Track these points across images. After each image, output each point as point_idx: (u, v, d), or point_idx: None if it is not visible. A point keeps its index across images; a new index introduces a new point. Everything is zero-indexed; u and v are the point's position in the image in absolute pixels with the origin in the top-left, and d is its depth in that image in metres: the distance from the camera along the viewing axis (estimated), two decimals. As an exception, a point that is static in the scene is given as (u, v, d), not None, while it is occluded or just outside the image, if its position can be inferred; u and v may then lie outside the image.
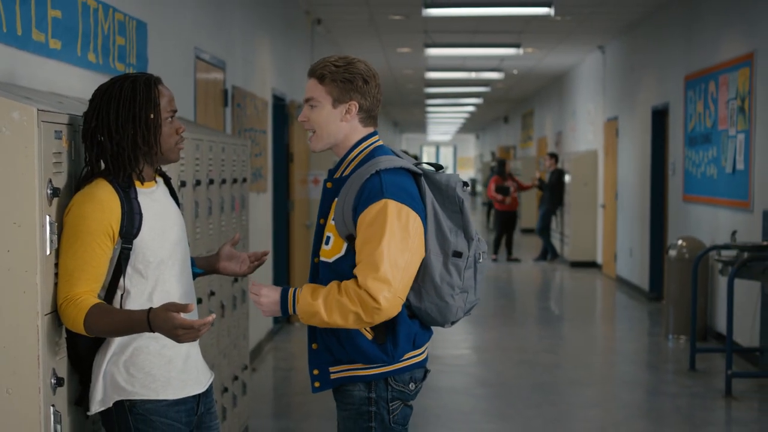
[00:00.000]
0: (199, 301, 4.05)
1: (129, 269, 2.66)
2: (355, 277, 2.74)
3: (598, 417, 6.28)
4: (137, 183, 2.71)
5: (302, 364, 7.56)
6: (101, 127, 2.66)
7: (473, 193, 41.20)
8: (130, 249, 2.64)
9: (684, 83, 9.74)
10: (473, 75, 17.26)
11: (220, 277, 4.62)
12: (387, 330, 2.80)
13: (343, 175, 2.88)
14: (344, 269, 2.79)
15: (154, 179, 2.79)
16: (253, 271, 3.09)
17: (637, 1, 10.54)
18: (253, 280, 2.96)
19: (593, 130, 14.99)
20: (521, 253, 16.82)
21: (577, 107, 16.45)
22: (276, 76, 8.92)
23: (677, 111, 10.06)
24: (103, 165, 2.68)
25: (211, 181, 4.49)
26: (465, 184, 2.92)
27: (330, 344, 2.84)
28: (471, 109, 27.99)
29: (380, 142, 2.94)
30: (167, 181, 2.90)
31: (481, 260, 2.92)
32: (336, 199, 2.84)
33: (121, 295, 2.67)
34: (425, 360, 2.95)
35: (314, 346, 2.89)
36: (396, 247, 2.69)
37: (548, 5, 9.69)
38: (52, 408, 2.55)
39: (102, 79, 3.92)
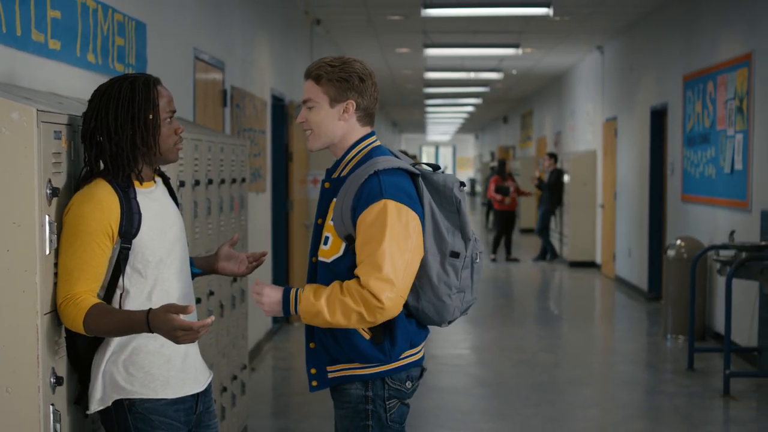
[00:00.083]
0: (198, 300, 4.06)
1: (128, 269, 2.67)
2: (355, 277, 2.75)
3: (596, 416, 6.29)
4: (136, 183, 2.72)
5: (301, 364, 7.57)
6: (100, 127, 2.67)
7: (472, 193, 41.24)
8: (129, 249, 2.66)
9: (682, 83, 9.75)
10: (472, 75, 17.27)
11: (219, 277, 4.63)
12: (385, 330, 2.82)
13: (341, 175, 2.89)
14: (342, 269, 2.80)
15: (153, 179, 2.80)
16: (252, 272, 3.10)
17: (636, 2, 10.55)
18: (257, 278, 2.97)
19: (592, 130, 15.00)
20: (520, 253, 16.83)
21: (576, 107, 16.47)
22: (275, 76, 8.93)
23: (676, 111, 10.07)
24: (102, 165, 2.70)
25: (210, 181, 4.50)
26: (462, 184, 2.93)
27: (327, 343, 2.85)
28: (470, 109, 28.01)
29: (378, 143, 2.95)
30: (166, 181, 2.91)
31: (477, 260, 2.93)
32: (334, 199, 2.85)
33: (121, 294, 2.68)
34: (422, 359, 2.96)
35: (312, 345, 2.90)
36: (397, 248, 2.71)
37: (547, 5, 9.70)
38: (51, 407, 2.56)
39: (101, 79, 3.93)
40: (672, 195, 10.29)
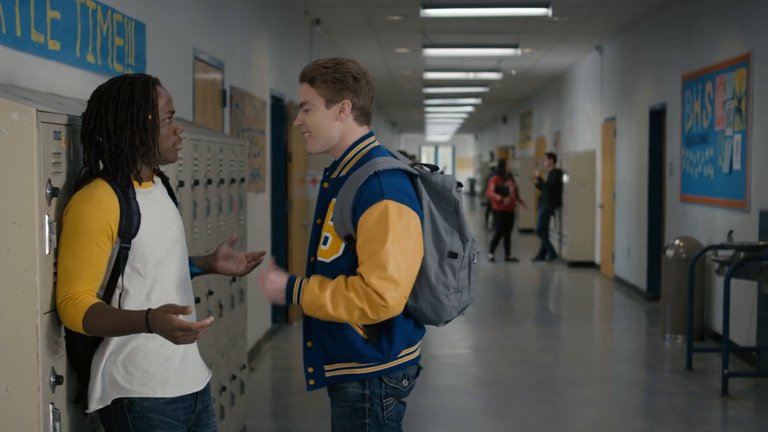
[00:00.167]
0: (198, 300, 4.07)
1: (127, 268, 2.68)
2: (356, 275, 2.76)
3: (595, 416, 6.30)
4: (135, 183, 2.73)
5: (300, 364, 7.54)
6: (100, 127, 2.68)
7: (472, 193, 41.26)
8: (129, 248, 2.67)
9: (681, 83, 9.77)
10: (471, 75, 17.28)
11: (218, 277, 4.64)
12: (382, 330, 2.83)
13: (340, 175, 2.90)
14: (342, 269, 2.82)
15: (152, 179, 2.82)
16: (251, 271, 3.12)
17: (635, 2, 10.57)
18: (272, 258, 2.98)
19: (591, 131, 15.01)
20: (519, 253, 16.85)
21: (575, 107, 16.48)
22: (274, 76, 8.94)
23: (674, 111, 10.08)
24: (101, 165, 2.71)
25: (209, 181, 4.51)
26: (459, 185, 2.95)
27: (325, 342, 2.86)
28: (469, 109, 28.02)
29: (377, 143, 2.96)
30: (165, 181, 2.92)
31: (475, 261, 2.95)
32: (334, 199, 2.87)
33: (120, 294, 2.69)
34: (418, 357, 2.98)
35: (309, 344, 2.91)
36: (399, 248, 2.73)
37: (546, 6, 9.71)
38: (51, 406, 2.57)
39: (101, 79, 3.94)
40: (671, 195, 10.31)
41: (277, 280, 2.82)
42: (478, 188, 37.67)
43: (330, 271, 2.83)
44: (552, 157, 15.98)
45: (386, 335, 2.83)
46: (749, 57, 7.78)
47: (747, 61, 7.83)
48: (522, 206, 17.43)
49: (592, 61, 14.82)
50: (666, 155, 10.63)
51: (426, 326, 3.02)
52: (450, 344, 8.64)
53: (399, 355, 2.88)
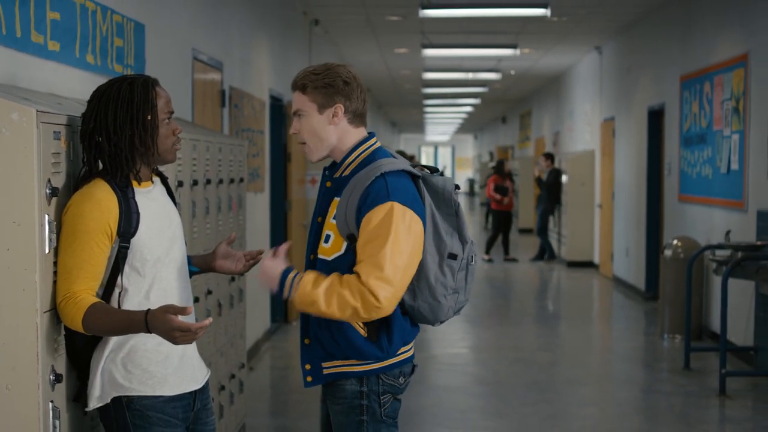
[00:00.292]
0: (197, 299, 4.09)
1: (126, 267, 2.70)
2: (353, 273, 2.79)
3: (593, 415, 6.32)
4: (134, 183, 2.75)
5: (299, 363, 7.57)
6: (99, 128, 2.70)
7: (471, 193, 41.29)
8: (128, 248, 2.69)
9: (679, 84, 9.79)
10: (471, 75, 17.29)
11: (217, 276, 4.66)
12: (381, 327, 2.86)
13: (343, 175, 2.93)
14: (343, 268, 2.84)
15: (151, 179, 2.84)
16: (249, 270, 3.14)
17: (633, 2, 10.58)
18: (289, 242, 2.99)
19: (590, 131, 15.03)
20: (518, 253, 16.86)
21: (575, 107, 16.50)
22: (273, 76, 8.96)
23: (673, 111, 10.10)
24: (101, 165, 2.73)
25: (208, 181, 4.53)
26: (456, 187, 3.00)
27: (323, 339, 2.89)
28: (469, 109, 28.03)
29: (379, 144, 3.00)
30: (164, 181, 2.94)
31: (473, 263, 3.00)
32: (336, 198, 2.90)
33: (119, 293, 2.71)
34: (413, 356, 3.02)
35: (306, 341, 2.94)
36: (398, 249, 2.76)
37: (544, 6, 9.73)
38: (51, 404, 2.59)
39: (100, 80, 3.96)
40: (669, 195, 10.33)
41: (274, 267, 2.84)
42: (477, 188, 37.68)
43: (331, 269, 2.86)
44: (550, 157, 15.99)
45: (386, 333, 2.87)
46: (747, 57, 7.80)
47: (745, 62, 7.85)
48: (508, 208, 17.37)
49: (591, 61, 14.84)
50: (664, 155, 10.65)
51: (424, 326, 3.05)
52: (449, 344, 8.66)
53: (397, 353, 2.92)
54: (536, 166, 19.09)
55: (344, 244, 2.85)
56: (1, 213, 2.52)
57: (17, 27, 3.36)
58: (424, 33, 12.54)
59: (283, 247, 2.90)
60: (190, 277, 2.98)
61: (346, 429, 2.92)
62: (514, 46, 13.00)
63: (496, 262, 15.55)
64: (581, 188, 14.76)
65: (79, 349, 2.74)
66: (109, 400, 2.70)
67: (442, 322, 2.99)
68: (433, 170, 3.03)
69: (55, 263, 2.63)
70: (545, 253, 15.75)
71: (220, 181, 4.78)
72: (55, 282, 2.63)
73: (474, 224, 24.69)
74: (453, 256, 2.92)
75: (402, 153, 10.49)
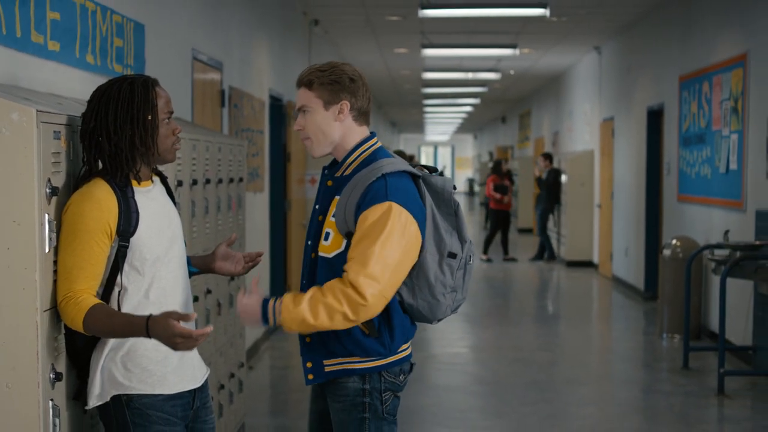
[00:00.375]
0: (196, 299, 4.10)
1: (126, 266, 2.72)
2: (344, 271, 2.81)
3: (592, 415, 6.33)
4: (134, 182, 2.76)
5: (298, 362, 7.55)
6: (100, 127, 2.71)
7: (471, 193, 41.31)
8: (127, 247, 2.70)
9: (678, 84, 9.80)
10: (470, 75, 17.30)
11: (217, 276, 4.64)
12: (382, 324, 2.88)
13: (344, 174, 2.95)
14: (343, 264, 2.86)
15: (151, 178, 2.85)
16: (248, 272, 3.15)
17: (633, 2, 10.59)
18: (255, 276, 3.00)
19: (590, 131, 15.04)
20: (517, 253, 16.87)
21: (574, 107, 16.51)
22: (273, 76, 8.97)
23: (672, 111, 10.11)
24: (100, 165, 2.74)
25: (208, 181, 4.54)
26: (453, 187, 3.03)
27: (325, 337, 2.90)
28: (468, 109, 28.04)
29: (379, 144, 3.02)
30: (164, 180, 2.95)
31: (471, 262, 3.04)
32: (337, 197, 2.92)
33: (119, 291, 2.72)
34: (411, 354, 3.05)
35: (308, 339, 2.95)
36: (390, 248, 2.77)
37: (543, 6, 9.74)
38: (51, 402, 2.60)
39: (100, 80, 3.97)
40: (668, 195, 10.34)
41: (252, 302, 2.83)
42: (477, 188, 37.69)
43: (331, 266, 2.88)
44: (548, 157, 16.01)
45: (387, 330, 2.89)
46: (746, 57, 7.81)
47: (743, 62, 7.86)
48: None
49: (591, 61, 14.85)
50: (663, 155, 10.66)
51: (424, 326, 3.07)
52: (449, 343, 8.67)
53: (398, 350, 2.95)
54: (535, 166, 19.11)
55: (344, 242, 2.87)
56: (2, 212, 2.53)
57: (17, 27, 3.37)
58: (423, 33, 12.55)
59: (254, 282, 2.90)
60: (189, 277, 2.99)
61: (348, 427, 2.93)
62: (513, 46, 13.02)
63: (496, 262, 15.56)
64: (581, 188, 14.78)
65: (79, 347, 2.75)
66: (108, 399, 2.71)
67: (439, 320, 3.01)
68: (432, 170, 3.06)
69: (55, 262, 2.64)
70: (545, 252, 15.76)
71: (220, 181, 4.79)
72: (55, 281, 2.64)
73: (474, 224, 24.70)
74: (452, 255, 2.95)
75: (401, 153, 10.49)
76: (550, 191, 15.59)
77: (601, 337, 9.61)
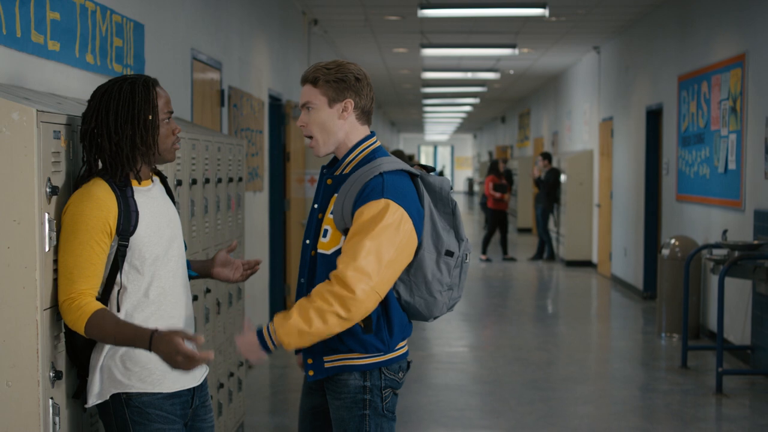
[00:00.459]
0: (195, 298, 4.11)
1: (126, 266, 2.73)
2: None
3: (590, 414, 6.34)
4: (134, 182, 2.78)
5: (298, 361, 7.60)
6: (100, 127, 2.73)
7: (470, 192, 41.32)
8: (127, 246, 2.71)
9: (677, 84, 9.81)
10: (469, 75, 17.31)
11: (216, 275, 4.67)
12: (378, 320, 2.90)
13: (344, 173, 2.98)
14: None
15: (151, 178, 2.86)
16: (246, 279, 3.17)
17: (632, 2, 10.61)
18: (247, 317, 3.03)
19: (589, 130, 15.05)
20: (517, 253, 16.88)
21: (573, 107, 16.52)
22: (272, 76, 8.98)
23: (671, 111, 10.13)
24: (100, 164, 2.75)
25: (207, 180, 4.55)
26: (450, 187, 3.06)
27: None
28: (468, 109, 28.05)
29: (378, 143, 3.05)
30: (163, 180, 2.97)
31: (467, 260, 3.06)
32: (336, 195, 2.94)
33: (118, 290, 2.73)
34: (408, 351, 3.07)
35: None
36: (383, 244, 2.80)
37: (542, 6, 9.75)
38: (50, 400, 2.61)
39: (100, 80, 3.99)
40: (667, 194, 10.35)
41: (248, 338, 2.86)
42: (476, 188, 37.71)
43: (330, 263, 2.90)
44: (547, 157, 16.02)
45: (386, 326, 2.92)
46: (744, 57, 7.83)
47: (742, 62, 7.87)
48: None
49: (590, 61, 14.87)
50: (662, 155, 10.67)
51: (423, 325, 3.09)
52: (447, 342, 8.68)
53: (396, 347, 2.97)
54: (534, 166, 19.13)
55: (342, 239, 2.90)
56: (2, 211, 2.54)
57: (17, 27, 3.38)
58: (423, 33, 12.57)
59: (246, 321, 2.92)
60: (189, 280, 3.00)
61: (348, 424, 2.95)
62: (512, 46, 13.02)
63: (495, 262, 15.57)
64: (580, 188, 14.79)
65: (78, 346, 2.76)
66: (108, 397, 2.72)
67: (435, 318, 3.04)
68: (430, 170, 3.09)
69: (55, 261, 2.66)
70: (544, 252, 15.77)
71: (219, 181, 4.80)
72: (55, 280, 2.66)
73: (474, 223, 24.70)
74: (450, 253, 2.97)
75: (400, 153, 10.49)
76: (549, 191, 15.60)
77: (599, 337, 9.63)
